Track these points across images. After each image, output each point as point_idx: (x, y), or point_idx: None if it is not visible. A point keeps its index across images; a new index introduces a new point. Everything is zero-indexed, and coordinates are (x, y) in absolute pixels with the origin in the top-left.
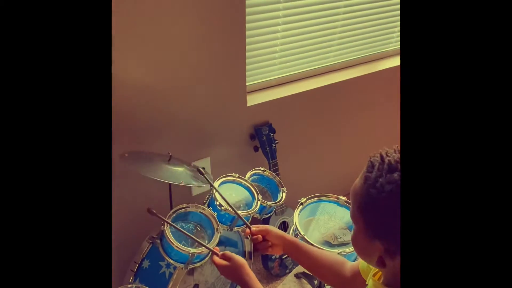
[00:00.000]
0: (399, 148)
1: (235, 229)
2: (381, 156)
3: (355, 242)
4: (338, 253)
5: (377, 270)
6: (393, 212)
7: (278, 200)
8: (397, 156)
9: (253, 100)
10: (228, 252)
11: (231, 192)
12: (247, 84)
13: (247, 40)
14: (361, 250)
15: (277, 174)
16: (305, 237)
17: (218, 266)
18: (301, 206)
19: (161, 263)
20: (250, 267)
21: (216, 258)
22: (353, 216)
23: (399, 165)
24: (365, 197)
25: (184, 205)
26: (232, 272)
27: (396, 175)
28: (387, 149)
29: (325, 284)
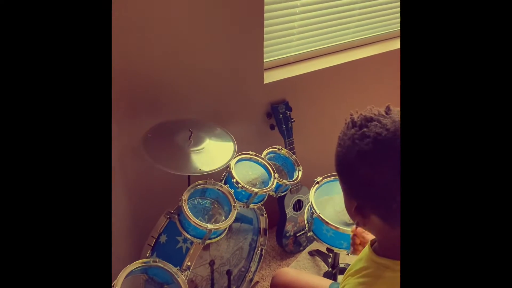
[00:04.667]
0: (372, 106)
1: (251, 206)
2: (351, 115)
3: (344, 201)
4: None
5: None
6: (351, 167)
7: (294, 179)
8: (364, 114)
9: (270, 77)
10: None
11: (248, 170)
12: (264, 61)
13: (265, 15)
14: (346, 208)
15: (293, 153)
16: (321, 215)
17: None
18: (317, 185)
19: (178, 238)
20: (265, 244)
21: None
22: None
23: (362, 121)
24: (336, 156)
25: (202, 182)
26: None
27: (353, 130)
28: (371, 108)
29: (339, 262)
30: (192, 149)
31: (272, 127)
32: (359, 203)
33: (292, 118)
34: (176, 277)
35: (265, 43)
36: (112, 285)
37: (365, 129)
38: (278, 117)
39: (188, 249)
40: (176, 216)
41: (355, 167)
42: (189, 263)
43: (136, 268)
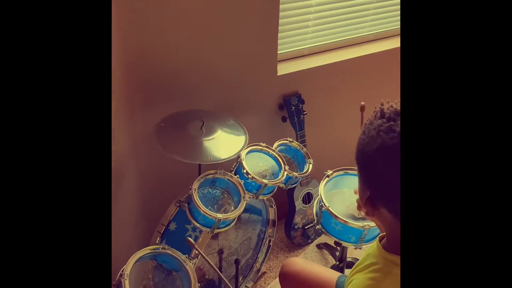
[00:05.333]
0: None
1: (261, 197)
2: (381, 105)
3: (358, 190)
4: (362, 226)
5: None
6: (371, 157)
7: (304, 171)
8: (395, 107)
9: (283, 69)
10: None
11: (258, 161)
12: (278, 52)
13: (281, 7)
14: (360, 197)
15: (304, 146)
16: (330, 208)
17: None
18: (327, 178)
19: (187, 226)
20: (273, 235)
21: None
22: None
23: (391, 114)
24: (358, 143)
25: (212, 171)
26: None
27: (380, 121)
28: (396, 101)
29: (347, 256)
30: (203, 138)
31: (284, 119)
32: (372, 194)
33: (304, 111)
34: (185, 264)
35: (279, 34)
36: (121, 270)
37: (392, 123)
38: (290, 109)
39: (197, 238)
40: (186, 205)
41: (374, 158)
42: (197, 251)
43: (146, 254)
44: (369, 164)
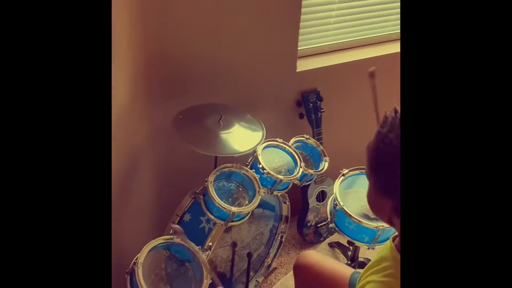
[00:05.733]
0: None
1: (275, 193)
2: (395, 111)
3: (368, 198)
4: (376, 227)
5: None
6: (393, 167)
7: (320, 169)
8: None
9: (303, 65)
10: None
11: (274, 157)
12: (298, 48)
13: (303, 3)
14: (373, 206)
15: (321, 143)
16: (344, 207)
17: None
18: (342, 177)
19: (201, 218)
20: (286, 232)
21: None
22: (366, 172)
23: None
24: (375, 152)
25: (228, 165)
26: None
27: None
28: None
29: (359, 255)
30: (221, 132)
31: (301, 116)
32: (395, 204)
33: (322, 108)
34: (197, 256)
35: (300, 30)
36: (135, 258)
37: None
38: (308, 106)
39: (210, 230)
40: (201, 197)
41: (396, 167)
42: (210, 244)
43: (159, 244)
44: (390, 173)
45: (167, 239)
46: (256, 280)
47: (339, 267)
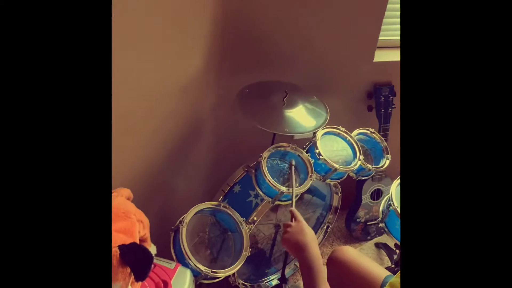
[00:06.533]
0: None
1: (328, 181)
2: None
3: None
4: None
5: None
6: None
7: (380, 166)
8: None
9: (380, 56)
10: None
11: (333, 144)
12: (379, 38)
13: None
14: None
15: (385, 140)
16: (398, 209)
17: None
18: None
19: (250, 191)
20: (333, 222)
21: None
22: None
23: None
24: None
25: (285, 144)
26: (295, 236)
27: None
28: None
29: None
30: (284, 110)
31: (369, 109)
32: None
33: (394, 104)
34: (241, 227)
35: (384, 20)
36: (182, 217)
37: None
38: (379, 99)
39: (257, 205)
40: (253, 171)
41: None
42: (255, 218)
43: (206, 208)
44: None
45: (215, 205)
46: (295, 264)
47: (374, 268)
